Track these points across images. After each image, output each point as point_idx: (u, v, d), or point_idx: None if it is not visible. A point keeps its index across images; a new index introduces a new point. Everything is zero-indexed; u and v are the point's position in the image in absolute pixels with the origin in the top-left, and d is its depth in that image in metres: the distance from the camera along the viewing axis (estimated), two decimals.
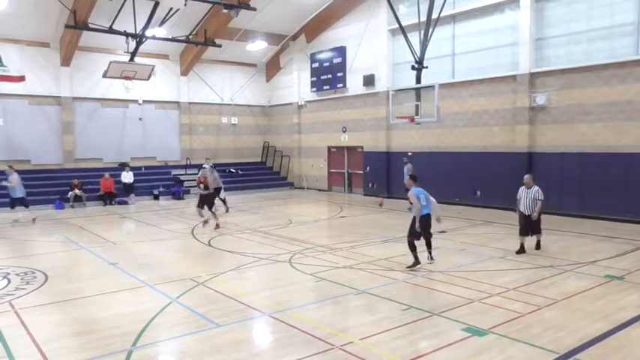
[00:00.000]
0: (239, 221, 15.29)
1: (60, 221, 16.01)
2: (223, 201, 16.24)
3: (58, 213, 17.95)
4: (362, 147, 22.34)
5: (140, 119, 23.28)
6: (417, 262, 8.95)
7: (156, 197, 21.46)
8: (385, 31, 20.57)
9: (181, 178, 23.04)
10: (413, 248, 9.00)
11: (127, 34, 17.92)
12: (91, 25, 17.88)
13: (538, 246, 10.36)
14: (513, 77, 16.37)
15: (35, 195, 18.89)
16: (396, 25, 16.86)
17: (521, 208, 10.15)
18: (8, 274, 9.06)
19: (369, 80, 21.39)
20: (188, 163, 24.02)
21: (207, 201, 13.89)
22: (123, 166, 21.53)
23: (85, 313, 6.96)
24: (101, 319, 6.66)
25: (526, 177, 10.20)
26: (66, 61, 20.92)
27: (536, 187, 10.01)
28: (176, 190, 21.85)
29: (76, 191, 19.28)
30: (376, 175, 21.46)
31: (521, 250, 10.06)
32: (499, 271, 8.87)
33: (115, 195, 20.12)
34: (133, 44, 18.59)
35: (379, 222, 15.03)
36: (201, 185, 13.94)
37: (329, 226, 14.98)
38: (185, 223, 15.07)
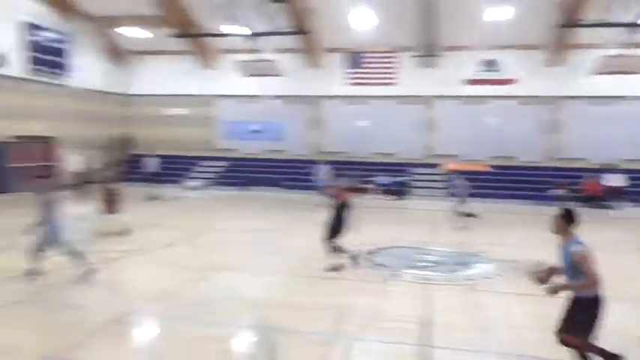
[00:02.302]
0: None
1: None
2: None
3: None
4: None
5: None
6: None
7: None
8: None
9: None
10: None
11: (619, 25, 16.37)
12: (581, 22, 17.28)
13: None
14: None
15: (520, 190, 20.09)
16: None
17: None
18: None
19: None
20: None
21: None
22: (609, 168, 19.78)
23: None
24: None
25: None
26: (554, 61, 21.17)
27: None
28: None
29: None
30: None
31: None
32: None
33: (601, 199, 18.57)
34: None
35: None
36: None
37: None
38: None
